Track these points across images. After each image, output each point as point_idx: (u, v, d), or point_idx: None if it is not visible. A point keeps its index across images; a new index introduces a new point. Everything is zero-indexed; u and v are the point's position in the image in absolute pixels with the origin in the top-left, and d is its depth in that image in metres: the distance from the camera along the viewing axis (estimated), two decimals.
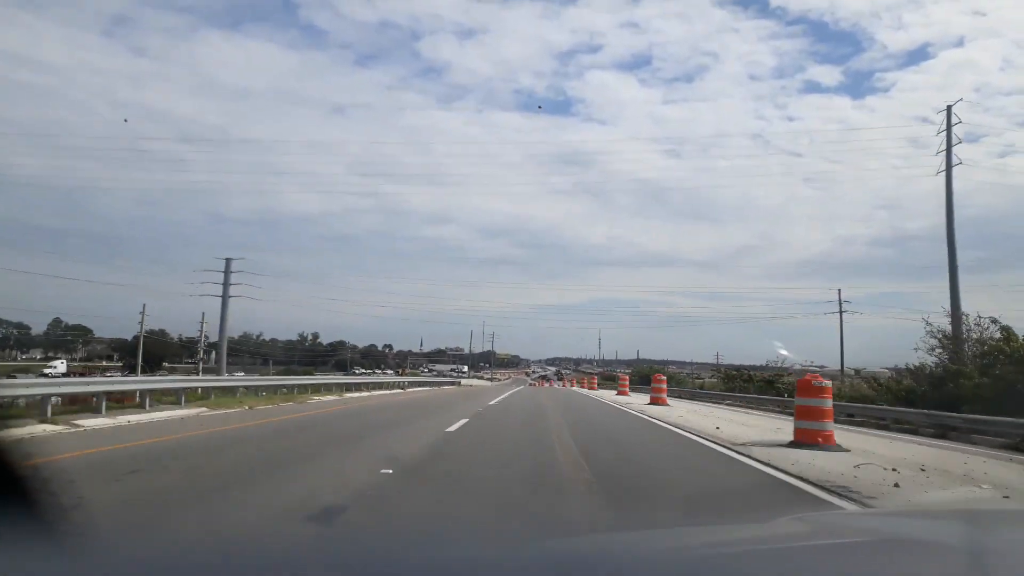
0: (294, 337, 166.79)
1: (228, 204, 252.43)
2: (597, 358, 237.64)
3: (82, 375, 48.76)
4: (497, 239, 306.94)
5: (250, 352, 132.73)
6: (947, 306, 26.23)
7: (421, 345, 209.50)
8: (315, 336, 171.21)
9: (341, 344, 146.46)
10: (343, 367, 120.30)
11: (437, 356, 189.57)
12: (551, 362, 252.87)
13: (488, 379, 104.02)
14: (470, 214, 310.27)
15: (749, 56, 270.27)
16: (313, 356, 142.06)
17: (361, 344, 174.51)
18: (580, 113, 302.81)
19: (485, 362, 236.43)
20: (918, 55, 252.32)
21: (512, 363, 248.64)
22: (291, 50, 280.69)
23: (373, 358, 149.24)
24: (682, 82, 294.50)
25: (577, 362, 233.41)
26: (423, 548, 1.58)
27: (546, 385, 76.20)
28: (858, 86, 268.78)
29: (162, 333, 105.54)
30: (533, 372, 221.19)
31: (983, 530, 2.05)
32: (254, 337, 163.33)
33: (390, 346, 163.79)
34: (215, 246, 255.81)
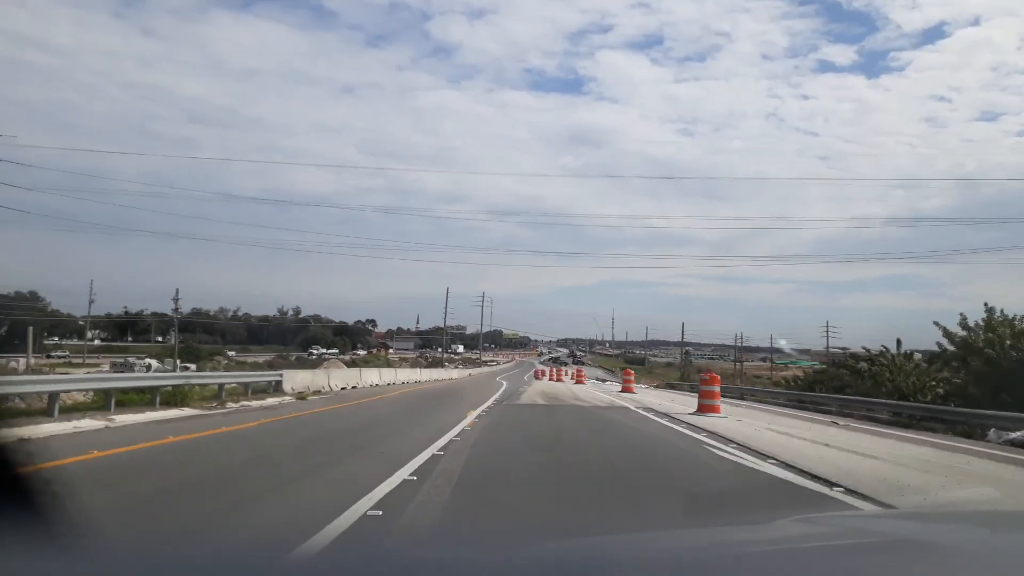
0: (273, 312, 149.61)
1: (238, 184, 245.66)
2: (610, 339, 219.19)
3: None
4: (508, 219, 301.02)
5: (205, 328, 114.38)
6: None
7: (417, 322, 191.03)
8: (297, 311, 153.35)
9: (317, 318, 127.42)
10: (306, 345, 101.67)
11: (433, 334, 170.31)
12: (562, 343, 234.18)
13: (471, 363, 79.36)
14: (480, 194, 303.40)
15: (761, 35, 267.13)
16: (283, 332, 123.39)
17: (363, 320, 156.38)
18: (591, 92, 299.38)
19: (491, 342, 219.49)
20: (933, 34, 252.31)
21: (521, 343, 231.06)
22: (300, 30, 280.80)
23: (350, 335, 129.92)
24: (694, 61, 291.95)
25: (591, 343, 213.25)
26: (423, 549, 1.63)
27: (564, 378, 43.81)
28: (872, 65, 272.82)
29: (33, 296, 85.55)
30: (543, 354, 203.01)
31: (985, 531, 2.04)
32: (229, 313, 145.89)
33: (373, 321, 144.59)
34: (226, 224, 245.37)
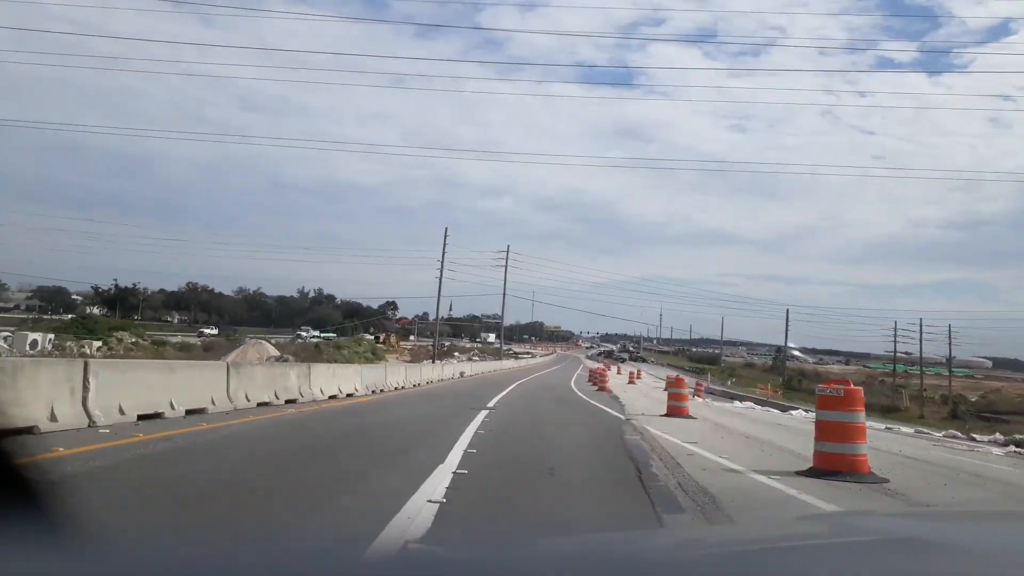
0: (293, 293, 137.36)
1: (289, 172, 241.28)
2: (656, 336, 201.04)
3: None
4: (552, 213, 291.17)
5: (203, 307, 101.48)
6: None
7: (451, 309, 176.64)
8: (319, 292, 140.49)
9: (330, 298, 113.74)
10: (313, 327, 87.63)
11: (467, 324, 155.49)
12: (605, 338, 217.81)
13: (497, 356, 57.37)
14: (526, 187, 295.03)
15: (819, 31, 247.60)
16: (292, 313, 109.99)
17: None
18: (642, 86, 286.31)
19: (531, 334, 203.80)
20: (999, 31, 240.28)
21: (563, 337, 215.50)
22: (353, 20, 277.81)
23: (363, 317, 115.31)
24: (748, 56, 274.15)
25: (637, 340, 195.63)
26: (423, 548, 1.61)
27: (648, 387, 27.80)
28: (934, 62, 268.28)
29: None
30: (591, 347, 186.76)
31: (986, 530, 2.04)
32: (250, 291, 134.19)
33: (393, 304, 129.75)
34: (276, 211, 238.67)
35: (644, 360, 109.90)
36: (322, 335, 73.24)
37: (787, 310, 74.98)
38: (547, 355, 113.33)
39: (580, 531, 2.26)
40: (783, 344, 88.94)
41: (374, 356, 38.95)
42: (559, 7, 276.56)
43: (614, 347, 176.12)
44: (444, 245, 46.79)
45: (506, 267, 56.07)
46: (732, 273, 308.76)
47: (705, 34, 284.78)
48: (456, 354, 58.66)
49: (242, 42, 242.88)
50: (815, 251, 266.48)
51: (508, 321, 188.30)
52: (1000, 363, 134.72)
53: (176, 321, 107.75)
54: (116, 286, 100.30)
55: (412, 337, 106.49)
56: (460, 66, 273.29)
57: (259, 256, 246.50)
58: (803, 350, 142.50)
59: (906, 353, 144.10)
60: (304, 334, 73.85)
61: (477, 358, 48.02)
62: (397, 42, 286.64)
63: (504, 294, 55.82)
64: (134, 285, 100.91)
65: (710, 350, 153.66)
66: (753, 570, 1.36)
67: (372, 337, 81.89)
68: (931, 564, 1.41)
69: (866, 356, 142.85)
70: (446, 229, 48.76)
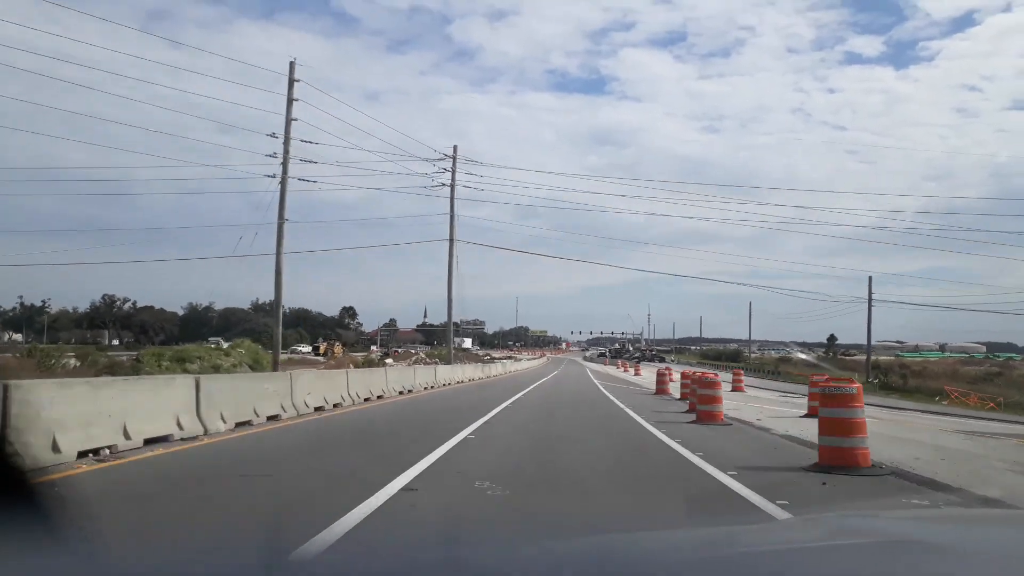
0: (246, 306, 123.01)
1: (264, 187, 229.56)
2: (647, 336, 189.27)
3: None
4: (532, 220, 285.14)
5: (123, 322, 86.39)
6: None
7: (425, 315, 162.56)
8: (270, 303, 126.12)
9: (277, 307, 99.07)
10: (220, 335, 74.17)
11: (442, 330, 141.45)
12: (593, 341, 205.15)
13: (467, 362, 40.17)
14: (505, 196, 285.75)
15: (787, 28, 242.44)
16: (228, 326, 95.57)
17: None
18: (614, 92, 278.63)
19: (516, 339, 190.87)
20: (964, 22, 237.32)
21: (551, 341, 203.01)
22: (324, 38, 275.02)
23: (312, 327, 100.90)
24: (718, 57, 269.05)
25: (633, 340, 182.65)
26: (424, 549, 1.65)
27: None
28: (901, 56, 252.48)
29: None
30: (587, 349, 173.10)
31: (985, 531, 2.05)
32: (201, 307, 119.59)
33: (351, 310, 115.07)
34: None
35: (663, 359, 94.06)
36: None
37: (869, 277, 56.06)
38: (535, 359, 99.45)
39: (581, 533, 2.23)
40: (836, 336, 74.91)
41: (252, 370, 25.01)
42: (528, 16, 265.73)
43: (607, 349, 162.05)
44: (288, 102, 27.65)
45: (453, 169, 39.76)
46: (716, 272, 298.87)
47: (675, 36, 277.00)
48: (388, 361, 44.75)
49: (213, 64, 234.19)
50: (796, 246, 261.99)
51: (491, 328, 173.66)
52: (992, 348, 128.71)
53: (107, 341, 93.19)
54: (21, 304, 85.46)
55: (375, 347, 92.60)
56: (435, 80, 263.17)
57: (227, 274, 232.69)
58: (800, 344, 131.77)
59: (899, 342, 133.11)
60: (212, 344, 60.19)
61: (422, 366, 34.18)
62: (370, 58, 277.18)
63: (452, 214, 38.80)
64: (43, 303, 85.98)
65: (714, 347, 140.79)
66: (754, 570, 1.36)
67: (311, 347, 68.02)
68: (931, 564, 1.40)
69: (859, 346, 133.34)
70: (291, 63, 31.37)
